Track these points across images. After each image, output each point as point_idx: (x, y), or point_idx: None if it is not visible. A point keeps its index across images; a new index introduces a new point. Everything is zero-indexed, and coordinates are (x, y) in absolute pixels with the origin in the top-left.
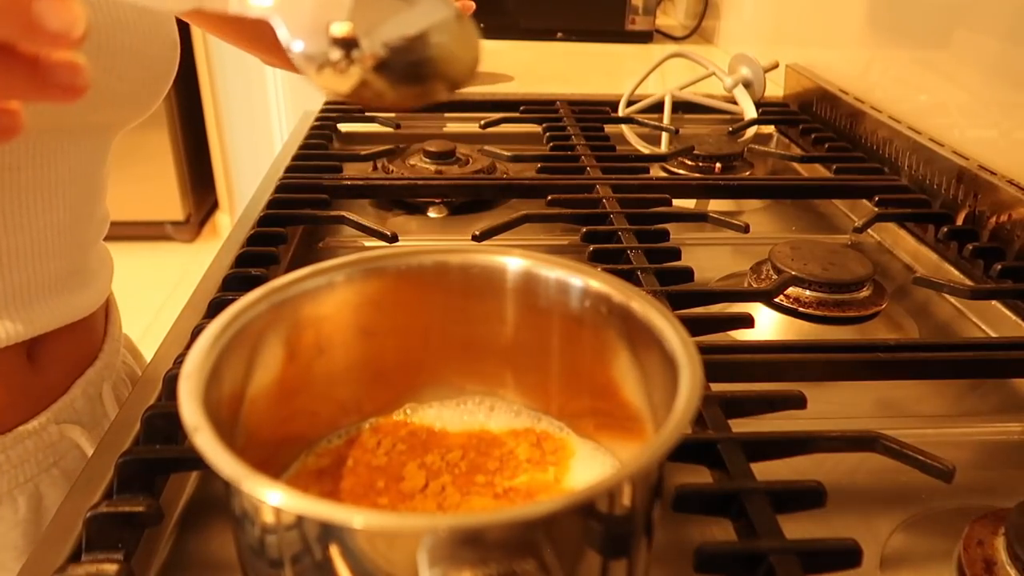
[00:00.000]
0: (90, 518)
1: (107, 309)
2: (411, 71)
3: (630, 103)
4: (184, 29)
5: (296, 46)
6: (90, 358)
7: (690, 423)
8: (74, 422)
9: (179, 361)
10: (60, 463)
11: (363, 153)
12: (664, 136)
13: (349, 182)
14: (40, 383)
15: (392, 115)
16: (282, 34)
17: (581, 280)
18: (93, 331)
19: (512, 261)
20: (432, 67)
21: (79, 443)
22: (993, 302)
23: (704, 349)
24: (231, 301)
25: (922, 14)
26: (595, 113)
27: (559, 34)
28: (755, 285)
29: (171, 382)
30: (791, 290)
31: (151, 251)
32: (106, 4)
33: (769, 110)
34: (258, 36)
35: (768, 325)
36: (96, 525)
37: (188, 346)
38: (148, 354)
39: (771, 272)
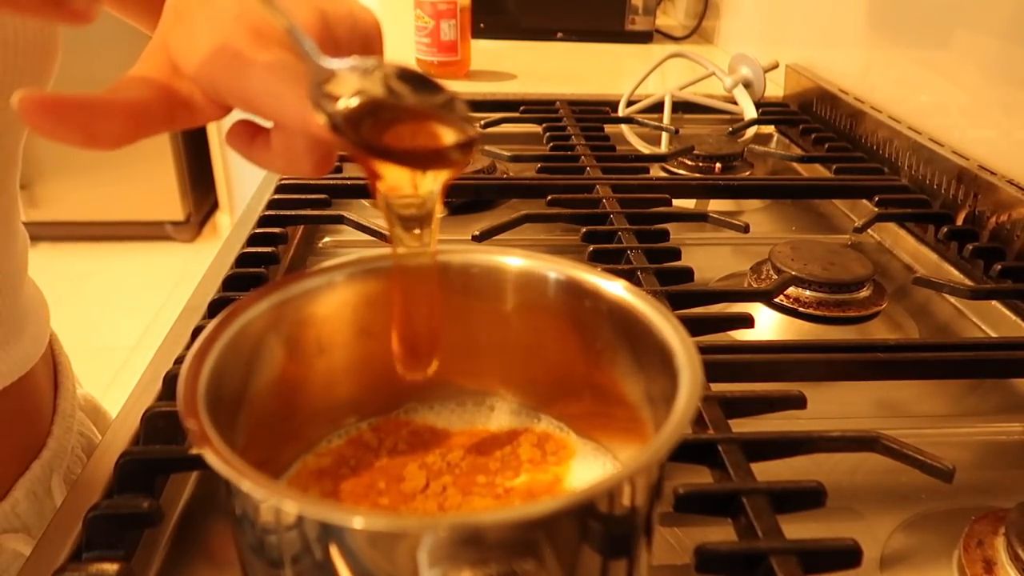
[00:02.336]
0: (90, 518)
1: (55, 371)
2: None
3: (630, 103)
4: None
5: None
6: (36, 444)
7: (690, 423)
8: (17, 529)
9: (179, 361)
10: None
11: None
12: (664, 136)
13: (349, 182)
14: None
15: None
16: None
17: (581, 280)
18: (37, 404)
19: (512, 261)
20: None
21: (24, 553)
22: (993, 302)
23: (704, 349)
24: (231, 301)
25: (922, 14)
26: (595, 113)
27: (559, 34)
28: (755, 285)
29: (171, 382)
30: (791, 290)
31: (151, 251)
32: None
33: (769, 110)
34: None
35: (768, 325)
36: (96, 525)
37: (188, 346)
38: (148, 355)
39: (771, 272)
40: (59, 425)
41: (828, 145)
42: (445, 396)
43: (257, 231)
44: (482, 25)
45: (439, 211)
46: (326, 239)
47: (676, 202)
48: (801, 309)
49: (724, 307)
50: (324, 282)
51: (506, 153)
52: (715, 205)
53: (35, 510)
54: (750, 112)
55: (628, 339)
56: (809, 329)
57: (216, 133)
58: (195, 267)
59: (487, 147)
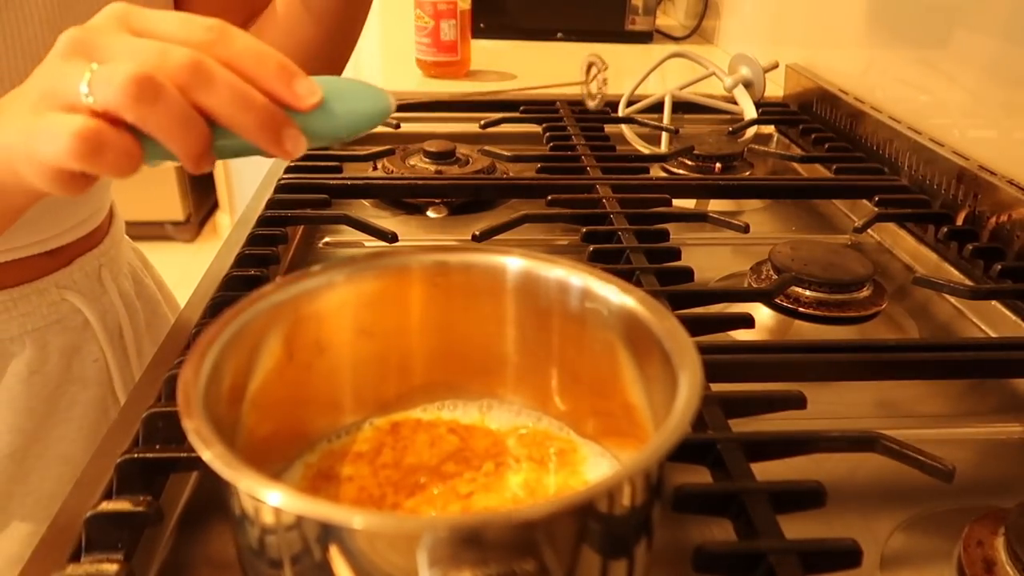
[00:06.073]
0: (90, 518)
1: (110, 218)
2: None
3: (630, 103)
4: None
5: None
6: (90, 247)
7: (690, 423)
8: (73, 290)
9: (179, 361)
10: (63, 321)
11: (363, 153)
12: (664, 136)
13: (349, 182)
14: (46, 258)
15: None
16: None
17: (581, 280)
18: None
19: (512, 261)
20: None
21: (78, 306)
22: (993, 302)
23: (704, 349)
24: (231, 301)
25: (922, 14)
26: (595, 113)
27: (559, 34)
28: (755, 285)
29: (171, 382)
30: (791, 290)
31: (151, 251)
32: None
33: (769, 110)
34: None
35: (768, 325)
36: (96, 525)
37: (188, 346)
38: (148, 355)
39: (771, 272)
40: (109, 239)
41: (828, 145)
42: (445, 396)
43: (257, 231)
44: (482, 25)
45: None
46: (326, 239)
47: (676, 202)
48: (801, 309)
49: (724, 307)
50: (324, 282)
51: (506, 153)
52: (715, 205)
53: (87, 283)
54: (750, 112)
55: (628, 339)
56: (809, 329)
57: None
58: (195, 267)
59: (487, 147)
